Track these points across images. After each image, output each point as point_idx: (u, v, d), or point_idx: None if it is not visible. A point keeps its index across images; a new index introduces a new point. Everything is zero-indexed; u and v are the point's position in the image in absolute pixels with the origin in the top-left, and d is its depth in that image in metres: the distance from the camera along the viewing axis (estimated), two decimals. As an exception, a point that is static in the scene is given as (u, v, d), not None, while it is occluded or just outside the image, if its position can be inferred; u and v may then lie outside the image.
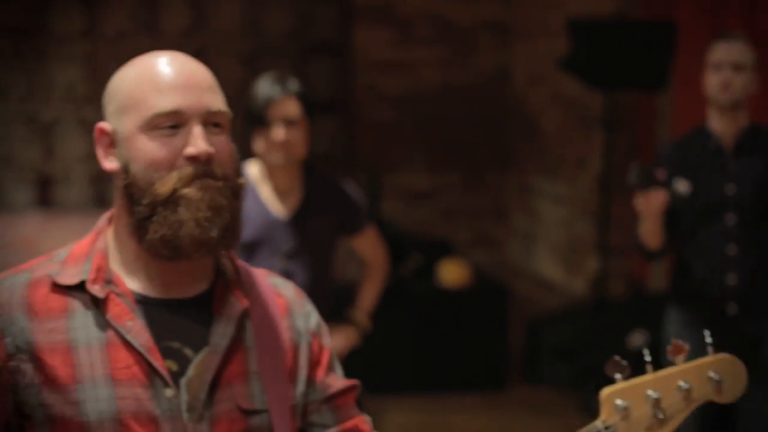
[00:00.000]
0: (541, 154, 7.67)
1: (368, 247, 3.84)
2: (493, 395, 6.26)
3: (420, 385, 6.22)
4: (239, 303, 1.72)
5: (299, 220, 3.58)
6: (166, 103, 1.64)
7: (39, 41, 9.01)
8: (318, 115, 3.62)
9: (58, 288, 1.66)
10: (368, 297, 3.88)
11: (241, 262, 1.80)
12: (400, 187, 8.12)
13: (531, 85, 7.85)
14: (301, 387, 1.76)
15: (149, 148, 1.63)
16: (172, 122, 1.64)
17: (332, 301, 3.72)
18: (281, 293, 1.82)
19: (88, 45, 8.73)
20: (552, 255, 7.52)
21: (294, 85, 3.50)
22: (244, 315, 1.72)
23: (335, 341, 3.69)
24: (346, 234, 3.75)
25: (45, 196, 8.66)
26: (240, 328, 1.70)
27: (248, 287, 1.76)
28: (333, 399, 1.79)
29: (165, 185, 1.62)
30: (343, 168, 8.82)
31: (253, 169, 3.63)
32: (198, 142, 1.63)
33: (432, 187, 8.19)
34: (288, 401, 1.72)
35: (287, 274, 3.53)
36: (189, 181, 1.62)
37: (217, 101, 1.69)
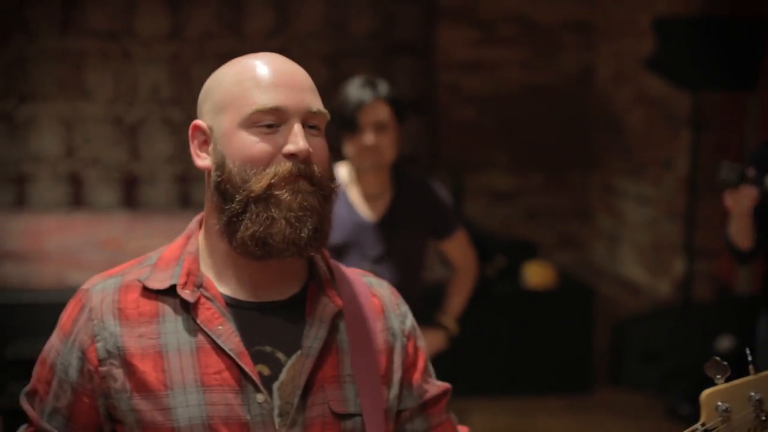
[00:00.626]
0: (626, 154, 7.58)
1: (458, 251, 3.80)
2: (578, 398, 6.20)
3: (505, 388, 6.18)
4: (332, 304, 1.70)
5: (388, 224, 3.55)
6: (268, 99, 1.64)
7: (125, 43, 9.14)
8: (407, 118, 3.60)
9: (149, 292, 1.67)
10: (457, 302, 3.85)
11: (334, 262, 1.79)
12: (483, 188, 8.08)
13: (615, 85, 7.75)
14: (394, 390, 1.74)
15: (247, 144, 1.63)
16: (273, 119, 1.64)
17: (421, 305, 3.70)
18: (376, 293, 1.80)
19: (173, 46, 8.82)
20: (637, 256, 7.43)
21: (384, 88, 3.47)
22: (338, 316, 1.70)
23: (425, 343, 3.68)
24: (436, 238, 3.72)
25: (130, 196, 8.78)
26: (333, 330, 1.69)
27: (342, 287, 1.74)
28: (427, 406, 1.78)
29: (260, 182, 1.61)
30: (426, 169, 8.82)
31: (342, 172, 3.62)
32: (298, 140, 1.62)
33: (515, 188, 8.14)
34: (381, 404, 1.69)
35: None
36: (285, 179, 1.61)
37: (316, 102, 1.69)
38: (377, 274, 3.45)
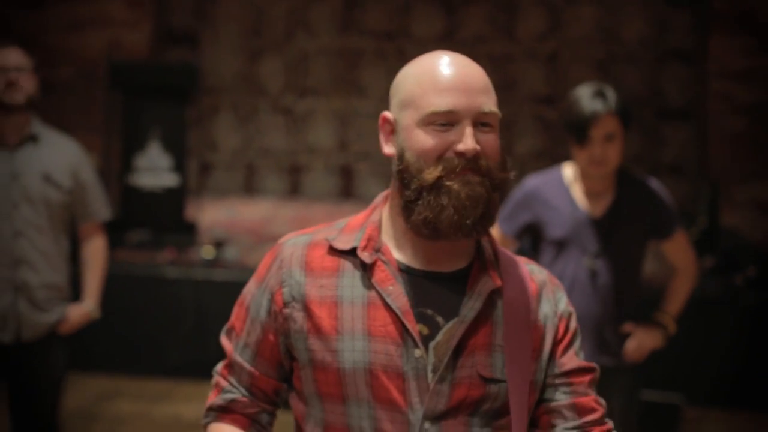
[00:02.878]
0: None
1: (678, 252, 3.81)
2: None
3: (746, 400, 6.04)
4: (491, 282, 1.85)
5: (609, 222, 3.61)
6: (443, 102, 1.79)
7: (400, 43, 9.46)
8: (632, 125, 3.63)
9: (334, 251, 1.88)
10: (676, 301, 3.85)
11: (501, 248, 1.94)
12: (751, 199, 7.88)
13: None
14: (542, 364, 1.86)
15: (422, 140, 1.80)
16: (446, 120, 1.79)
17: (639, 302, 3.72)
18: (535, 279, 1.92)
19: (446, 47, 9.01)
20: None
21: (613, 100, 3.50)
22: (495, 293, 1.85)
23: (639, 341, 3.71)
24: (656, 238, 3.74)
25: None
26: (489, 304, 1.83)
27: (504, 269, 1.89)
28: (569, 375, 1.87)
29: (431, 174, 1.78)
30: (690, 177, 8.68)
31: (567, 171, 3.70)
32: (468, 140, 1.77)
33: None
34: (528, 376, 1.82)
35: (594, 273, 3.58)
36: (453, 172, 1.78)
37: (488, 103, 1.82)
38: (596, 270, 3.55)
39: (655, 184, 3.71)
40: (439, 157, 1.79)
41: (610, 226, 3.61)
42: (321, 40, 9.62)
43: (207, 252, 6.93)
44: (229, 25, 9.60)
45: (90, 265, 4.02)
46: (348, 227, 1.91)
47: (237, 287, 7.10)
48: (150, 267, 6.74)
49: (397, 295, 1.80)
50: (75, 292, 4.04)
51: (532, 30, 9.27)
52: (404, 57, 9.29)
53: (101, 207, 4.03)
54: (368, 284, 1.82)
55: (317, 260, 1.87)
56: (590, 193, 3.64)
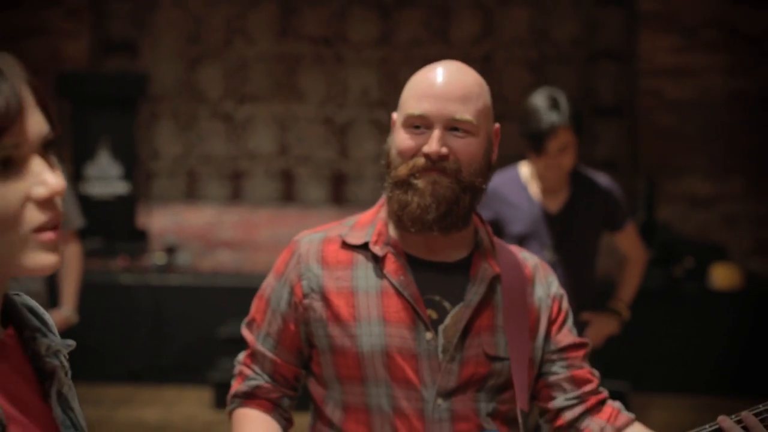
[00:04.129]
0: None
1: (629, 242, 4.05)
2: (761, 399, 6.23)
3: (690, 385, 6.31)
4: (491, 269, 2.05)
5: (565, 216, 3.84)
6: (418, 107, 1.99)
7: (338, 47, 9.60)
8: (584, 133, 3.83)
9: (347, 246, 2.06)
10: (628, 289, 4.09)
11: (496, 239, 2.14)
12: (681, 193, 8.15)
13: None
14: (539, 342, 2.07)
15: (400, 140, 2.00)
16: (420, 123, 1.99)
17: (595, 291, 3.95)
18: (528, 264, 2.13)
19: (383, 51, 9.18)
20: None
21: (567, 111, 3.69)
22: (495, 279, 2.04)
23: (597, 328, 3.94)
24: (609, 230, 3.97)
25: (338, 192, 9.21)
26: (491, 290, 2.03)
27: (501, 257, 2.09)
28: (565, 351, 2.08)
29: (401, 171, 1.99)
30: (624, 172, 8.94)
31: (524, 170, 3.92)
32: (433, 143, 1.96)
33: (713, 194, 8.18)
34: (527, 353, 2.03)
35: (553, 265, 3.80)
36: (419, 171, 1.97)
37: (464, 111, 1.98)
38: (555, 262, 3.76)
39: (606, 180, 3.93)
40: (411, 157, 1.97)
41: (566, 220, 3.83)
42: (259, 47, 9.71)
43: (159, 258, 7.04)
44: (168, 32, 9.66)
45: (67, 271, 4.14)
46: (358, 224, 2.09)
47: (191, 291, 7.26)
48: (104, 274, 6.83)
49: (408, 284, 1.99)
50: (52, 299, 4.16)
51: (466, 33, 9.46)
52: (342, 61, 9.46)
53: (76, 215, 4.14)
54: (380, 275, 2.01)
55: (332, 255, 2.05)
56: (547, 190, 3.85)
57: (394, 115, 2.07)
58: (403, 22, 9.52)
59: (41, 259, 1.17)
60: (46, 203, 1.16)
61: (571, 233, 3.84)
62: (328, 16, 9.61)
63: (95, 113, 7.55)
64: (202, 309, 6.59)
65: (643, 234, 6.83)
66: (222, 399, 4.99)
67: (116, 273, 6.87)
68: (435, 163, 1.96)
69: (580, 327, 3.89)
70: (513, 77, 8.83)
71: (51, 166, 1.18)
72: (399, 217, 1.98)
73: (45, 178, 1.16)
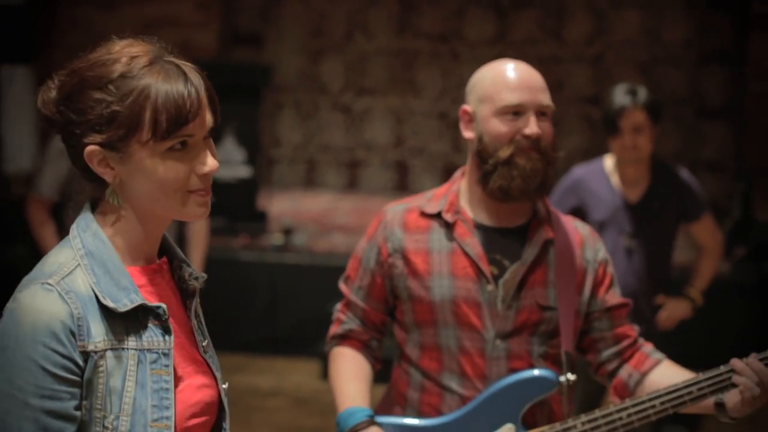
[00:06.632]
0: None
1: (705, 233, 4.31)
2: None
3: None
4: (546, 234, 2.44)
5: (644, 205, 4.15)
6: (513, 98, 2.38)
7: (454, 44, 9.93)
8: (662, 120, 4.14)
9: (424, 215, 2.49)
10: (703, 277, 4.36)
11: (552, 208, 2.51)
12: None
13: None
14: (585, 297, 2.44)
15: (498, 127, 2.39)
16: (515, 111, 2.38)
17: (670, 277, 4.25)
18: (579, 231, 2.51)
19: (498, 49, 9.45)
20: None
21: (643, 96, 4.04)
22: (549, 242, 2.43)
23: (670, 311, 4.23)
24: (686, 220, 4.26)
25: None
26: (544, 251, 2.42)
27: (555, 224, 2.47)
28: (610, 310, 2.46)
29: (505, 152, 2.37)
30: (729, 173, 9.09)
31: (608, 162, 4.25)
32: (533, 126, 2.37)
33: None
34: (573, 305, 2.41)
35: (630, 251, 4.11)
36: (522, 150, 2.35)
37: (546, 98, 2.41)
38: (632, 249, 4.09)
39: (685, 173, 4.23)
40: (511, 140, 2.36)
41: (644, 209, 4.15)
42: (378, 42, 10.08)
43: (277, 239, 7.54)
44: (293, 26, 10.08)
45: (195, 243, 4.64)
46: (434, 197, 2.51)
47: (305, 270, 7.79)
48: (226, 251, 7.34)
49: (474, 245, 2.40)
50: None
51: (579, 33, 9.70)
52: (457, 58, 9.80)
53: None
54: (451, 237, 2.42)
55: (412, 222, 2.47)
56: (627, 181, 4.17)
57: (468, 108, 2.44)
58: (518, 22, 9.80)
59: (195, 210, 1.62)
60: (204, 176, 1.59)
61: (648, 222, 4.14)
62: (445, 14, 9.93)
63: (222, 101, 7.89)
64: (315, 287, 6.98)
65: (737, 232, 7.07)
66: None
67: (237, 250, 7.37)
68: (534, 143, 2.35)
69: (654, 310, 4.21)
70: (623, 78, 9.00)
71: (210, 149, 1.62)
72: (506, 190, 2.34)
73: (206, 159, 1.60)
